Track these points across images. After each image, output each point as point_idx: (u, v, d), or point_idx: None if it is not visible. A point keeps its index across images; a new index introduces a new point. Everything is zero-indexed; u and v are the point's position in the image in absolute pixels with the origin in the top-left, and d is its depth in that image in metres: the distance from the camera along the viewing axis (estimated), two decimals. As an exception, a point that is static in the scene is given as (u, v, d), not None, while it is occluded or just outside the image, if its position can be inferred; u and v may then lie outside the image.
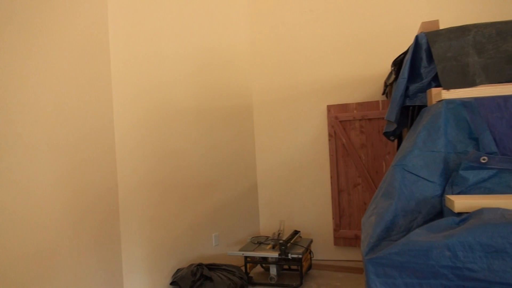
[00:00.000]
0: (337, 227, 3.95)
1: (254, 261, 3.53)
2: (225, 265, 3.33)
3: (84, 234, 2.65)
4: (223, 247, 3.85)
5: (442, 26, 2.00)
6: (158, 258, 3.22)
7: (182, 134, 3.51)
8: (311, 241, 3.71)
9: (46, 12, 2.46)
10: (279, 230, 3.79)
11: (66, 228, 2.51)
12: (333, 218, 3.98)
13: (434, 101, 1.73)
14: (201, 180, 3.68)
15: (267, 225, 4.33)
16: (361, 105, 3.87)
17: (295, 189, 4.22)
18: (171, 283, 3.12)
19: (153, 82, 3.27)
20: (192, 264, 3.22)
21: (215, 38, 3.95)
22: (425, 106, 1.87)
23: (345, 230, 3.93)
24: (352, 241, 3.90)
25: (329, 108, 3.99)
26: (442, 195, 1.52)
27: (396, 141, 2.83)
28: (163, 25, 3.39)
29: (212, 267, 3.28)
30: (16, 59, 2.25)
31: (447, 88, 1.68)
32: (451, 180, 1.53)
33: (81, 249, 2.62)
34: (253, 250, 3.46)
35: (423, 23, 2.06)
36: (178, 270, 3.24)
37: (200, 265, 3.21)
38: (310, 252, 3.73)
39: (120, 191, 2.97)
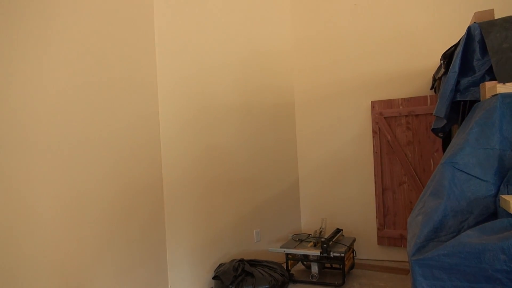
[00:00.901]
0: (381, 226, 3.85)
1: (295, 258, 3.51)
2: (266, 261, 3.35)
3: (131, 227, 2.75)
4: (264, 243, 3.87)
5: (497, 16, 1.89)
6: (201, 252, 3.29)
7: (224, 130, 3.55)
8: (354, 240, 3.64)
9: (95, 9, 2.57)
10: (321, 228, 3.75)
11: (113, 221, 2.62)
12: (377, 217, 3.88)
13: (488, 95, 1.63)
14: (243, 176, 3.71)
15: (308, 223, 4.30)
16: (407, 101, 3.74)
17: (338, 187, 4.15)
18: (214, 278, 3.18)
19: (198, 78, 3.34)
20: (234, 260, 3.26)
21: (258, 35, 3.96)
22: (478, 101, 1.77)
23: (389, 230, 3.82)
24: (397, 241, 3.78)
25: (374, 104, 3.89)
26: (496, 195, 1.44)
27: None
28: (207, 23, 3.44)
29: (253, 263, 3.30)
30: (70, 59, 2.37)
31: (503, 81, 1.58)
32: (507, 179, 1.44)
33: (128, 242, 2.72)
34: (295, 248, 3.44)
35: (476, 13, 1.95)
36: (220, 265, 3.29)
37: (241, 260, 3.24)
38: (353, 251, 3.66)
39: (165, 186, 3.05)
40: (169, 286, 3.06)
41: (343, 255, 3.21)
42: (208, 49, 3.44)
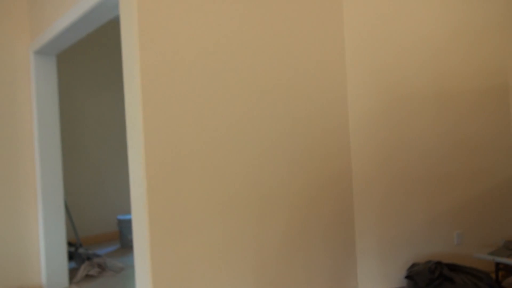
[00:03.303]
0: None
1: (508, 269, 2.97)
2: (470, 268, 2.94)
3: (321, 219, 2.83)
4: (466, 247, 3.41)
5: None
6: (391, 248, 3.13)
7: (418, 121, 3.26)
8: None
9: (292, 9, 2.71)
10: (545, 237, 3.06)
11: (308, 210, 2.74)
12: None
13: None
14: (439, 171, 3.34)
15: (526, 229, 3.58)
16: None
17: None
18: (406, 277, 2.98)
19: (387, 66, 3.16)
20: (429, 261, 2.98)
21: (462, 7, 3.47)
22: None
23: None
24: None
25: None
26: None
27: None
28: (396, 3, 3.22)
29: (453, 267, 2.95)
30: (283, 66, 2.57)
31: None
32: None
33: (319, 230, 2.80)
34: (509, 257, 2.91)
35: None
36: (414, 265, 3.06)
37: (439, 263, 2.94)
38: None
39: (354, 178, 3.02)
40: (358, 279, 3.03)
41: None
42: (398, 33, 3.21)
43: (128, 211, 5.79)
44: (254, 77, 2.49)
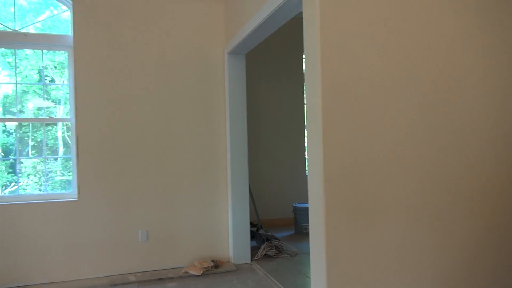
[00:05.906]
0: None
1: None
2: None
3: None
4: None
5: None
6: None
7: None
8: None
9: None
10: None
11: (497, 216, 2.38)
12: None
13: None
14: None
15: None
16: None
17: None
18: None
19: None
20: None
21: None
22: None
23: None
24: None
25: None
26: None
27: None
28: None
29: None
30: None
31: None
32: None
33: (508, 240, 2.40)
34: None
35: None
36: None
37: None
38: None
39: None
40: None
41: None
42: None
43: (303, 199, 6.07)
44: (445, 79, 2.27)
